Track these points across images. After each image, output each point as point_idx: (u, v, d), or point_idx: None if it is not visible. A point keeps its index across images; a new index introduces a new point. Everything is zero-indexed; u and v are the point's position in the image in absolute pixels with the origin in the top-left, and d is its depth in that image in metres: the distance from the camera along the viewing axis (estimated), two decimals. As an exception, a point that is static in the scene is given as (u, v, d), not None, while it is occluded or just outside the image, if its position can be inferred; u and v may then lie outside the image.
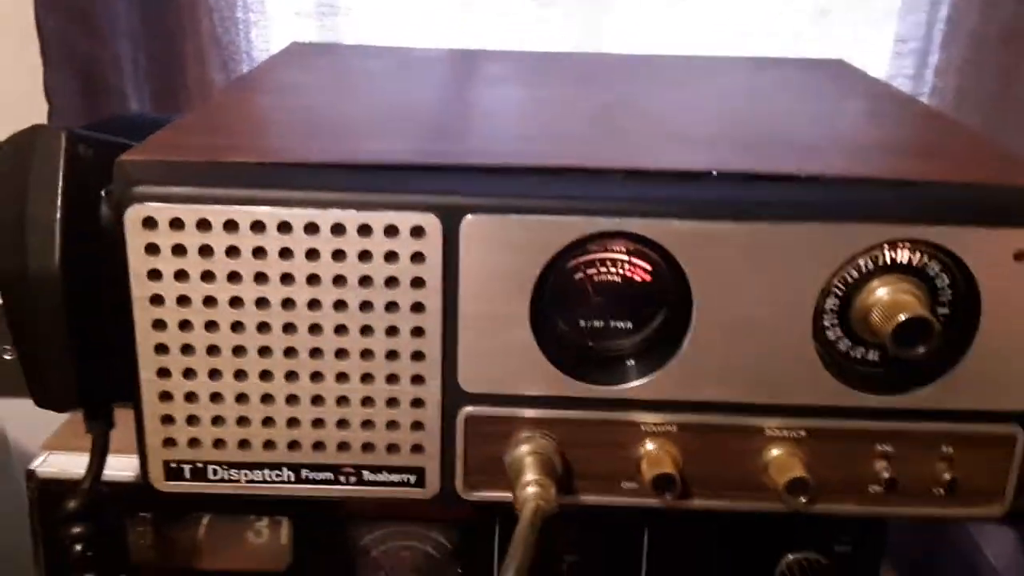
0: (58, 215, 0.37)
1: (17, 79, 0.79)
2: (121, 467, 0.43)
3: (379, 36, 0.79)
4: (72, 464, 0.45)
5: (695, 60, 0.57)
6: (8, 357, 0.49)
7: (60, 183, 0.37)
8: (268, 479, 0.36)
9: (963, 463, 0.35)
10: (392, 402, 0.35)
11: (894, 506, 0.36)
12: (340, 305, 0.34)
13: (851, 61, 0.60)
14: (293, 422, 0.35)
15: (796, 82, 0.52)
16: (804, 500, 0.34)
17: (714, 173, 0.34)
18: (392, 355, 0.34)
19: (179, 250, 0.33)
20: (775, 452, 0.35)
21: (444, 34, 0.79)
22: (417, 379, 0.35)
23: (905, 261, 0.33)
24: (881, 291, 0.33)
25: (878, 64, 0.79)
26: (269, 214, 0.33)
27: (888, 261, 0.33)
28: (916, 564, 0.60)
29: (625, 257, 0.34)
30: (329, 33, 0.80)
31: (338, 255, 0.33)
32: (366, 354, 0.34)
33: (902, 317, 0.32)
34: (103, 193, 0.37)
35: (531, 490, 0.33)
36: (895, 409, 0.35)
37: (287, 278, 0.34)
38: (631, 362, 0.35)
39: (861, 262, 0.33)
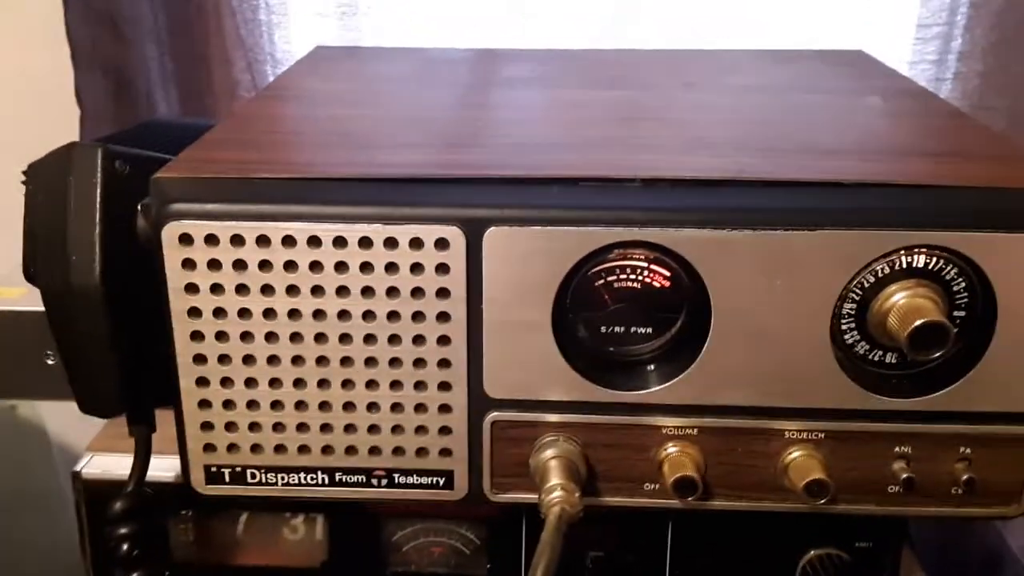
0: (97, 231, 0.38)
1: (49, 85, 0.81)
2: (162, 468, 0.44)
3: (399, 34, 0.80)
4: (115, 465, 0.47)
5: (714, 55, 0.57)
6: (50, 362, 0.50)
7: (99, 200, 0.38)
8: (303, 482, 0.38)
9: (981, 463, 0.36)
10: (420, 408, 0.36)
11: (913, 505, 0.37)
12: (368, 315, 0.35)
13: (871, 46, 0.60)
14: (326, 428, 0.37)
15: (815, 77, 0.52)
16: (823, 501, 0.35)
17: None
18: (419, 363, 0.36)
19: (214, 264, 0.34)
20: (795, 454, 0.36)
21: (462, 30, 0.79)
22: (444, 386, 0.36)
23: (921, 266, 0.33)
24: (898, 296, 0.33)
25: (899, 49, 0.78)
26: (299, 229, 0.34)
27: (905, 266, 0.33)
28: (941, 555, 0.60)
29: (644, 264, 0.35)
30: (350, 33, 0.80)
31: (366, 267, 0.34)
32: (394, 362, 0.36)
33: (918, 322, 0.32)
34: (139, 207, 0.38)
35: (556, 495, 0.34)
36: (913, 411, 0.35)
37: (317, 290, 0.35)
38: (652, 367, 0.36)
39: (878, 267, 0.34)
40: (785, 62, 0.55)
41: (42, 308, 0.40)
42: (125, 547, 0.41)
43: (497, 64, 0.55)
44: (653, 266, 0.35)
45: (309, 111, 0.47)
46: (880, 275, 0.34)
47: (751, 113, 0.44)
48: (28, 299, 0.48)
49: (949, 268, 0.33)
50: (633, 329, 0.36)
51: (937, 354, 0.33)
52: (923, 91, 0.48)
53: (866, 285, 0.34)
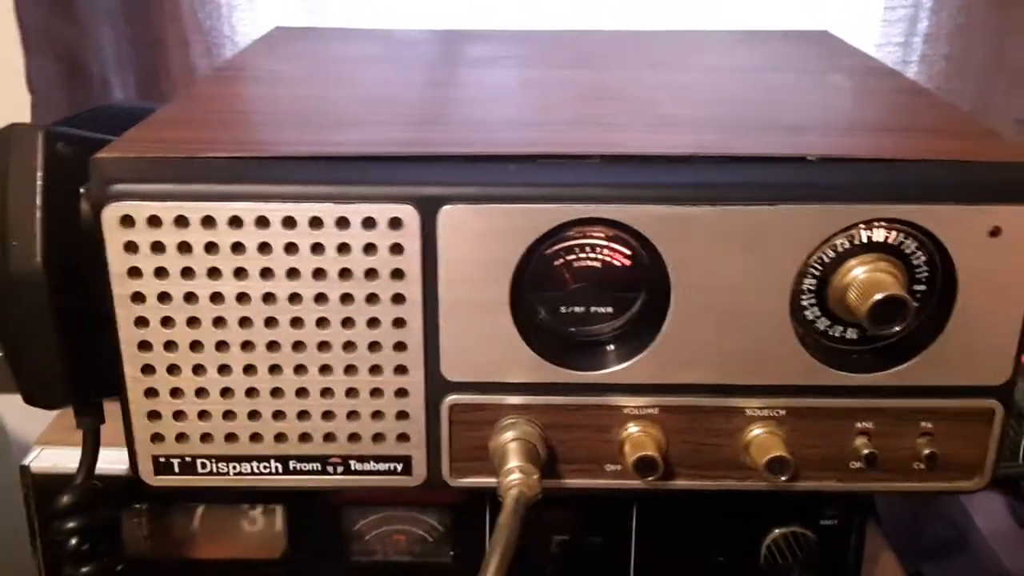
0: (38, 216, 0.37)
1: (-1, 70, 0.78)
2: (114, 460, 0.43)
3: (362, 16, 0.79)
4: (66, 458, 0.46)
5: (679, 35, 0.57)
6: (3, 353, 0.49)
7: (39, 183, 0.37)
8: (256, 471, 0.37)
9: (943, 438, 0.36)
10: (376, 392, 0.35)
11: (875, 481, 0.37)
12: (320, 298, 0.34)
13: (838, 28, 0.59)
14: (279, 415, 0.36)
15: (779, 57, 0.51)
16: (785, 478, 0.35)
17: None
18: (374, 346, 0.35)
19: (158, 247, 0.33)
20: (756, 432, 0.36)
21: (428, 11, 0.78)
22: (400, 369, 0.35)
23: (881, 240, 0.33)
24: (857, 271, 0.33)
25: (867, 31, 0.78)
26: (246, 209, 0.33)
27: (864, 240, 0.33)
28: (908, 534, 0.60)
29: (604, 242, 0.34)
30: (310, 16, 0.79)
31: (317, 248, 0.33)
32: (348, 346, 0.35)
33: (878, 296, 0.32)
34: (82, 190, 0.37)
35: (513, 477, 0.33)
36: (874, 386, 0.35)
37: (267, 272, 0.34)
38: (612, 347, 0.35)
39: (837, 242, 0.33)
40: (750, 43, 0.54)
41: (-15, 297, 0.39)
42: (74, 541, 0.40)
43: (460, 44, 0.54)
44: (612, 244, 0.34)
45: (263, 90, 0.45)
46: (840, 250, 0.33)
47: (715, 92, 0.44)
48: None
49: (909, 242, 0.33)
50: (593, 309, 0.35)
51: (897, 328, 0.32)
52: (886, 69, 0.48)
53: (826, 260, 0.33)
